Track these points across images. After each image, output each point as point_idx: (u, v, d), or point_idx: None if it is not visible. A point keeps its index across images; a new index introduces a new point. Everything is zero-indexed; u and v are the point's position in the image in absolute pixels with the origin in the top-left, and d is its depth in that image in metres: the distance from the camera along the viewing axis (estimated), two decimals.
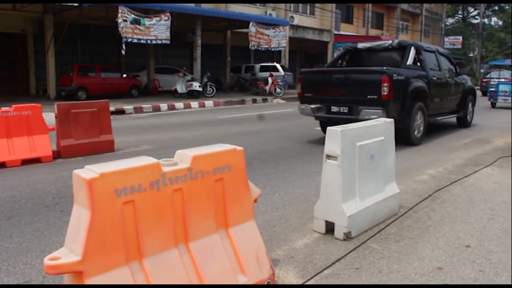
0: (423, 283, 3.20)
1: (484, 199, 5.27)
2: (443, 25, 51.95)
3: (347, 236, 3.96)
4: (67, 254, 2.26)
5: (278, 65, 25.62)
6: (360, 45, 10.36)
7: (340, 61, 10.59)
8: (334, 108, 8.64)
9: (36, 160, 7.25)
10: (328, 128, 4.01)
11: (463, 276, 3.30)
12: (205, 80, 20.75)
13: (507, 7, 56.91)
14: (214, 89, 20.94)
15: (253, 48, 22.30)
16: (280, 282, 3.19)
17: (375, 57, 10.27)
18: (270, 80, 22.44)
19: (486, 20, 59.87)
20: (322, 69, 11.09)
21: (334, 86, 8.56)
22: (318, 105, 8.88)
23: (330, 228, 4.07)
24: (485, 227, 4.35)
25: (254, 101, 20.32)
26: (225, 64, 25.43)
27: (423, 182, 6.10)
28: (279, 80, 22.82)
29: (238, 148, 2.96)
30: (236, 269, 2.86)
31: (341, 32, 33.86)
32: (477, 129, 11.75)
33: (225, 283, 2.75)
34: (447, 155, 8.00)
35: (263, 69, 25.33)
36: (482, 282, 3.22)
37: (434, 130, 11.31)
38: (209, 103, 18.40)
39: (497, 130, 11.49)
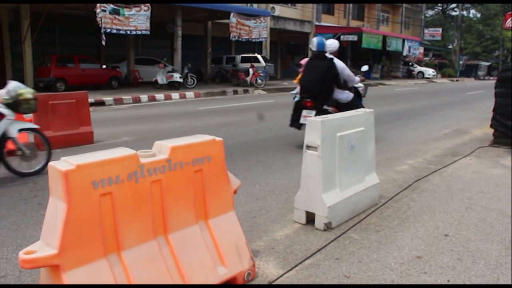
0: (403, 272, 3.23)
1: (462, 189, 5.35)
2: (423, 17, 52.31)
3: (328, 227, 3.98)
4: (43, 248, 2.21)
5: (259, 56, 25.52)
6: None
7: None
8: None
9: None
10: (309, 119, 4.02)
11: (441, 265, 3.34)
12: (186, 71, 20.58)
13: None
14: (195, 80, 20.78)
15: (234, 39, 22.14)
16: (260, 273, 3.19)
17: None
18: (251, 71, 22.36)
19: (465, 13, 60.47)
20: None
21: None
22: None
23: (310, 218, 4.08)
24: (463, 216, 4.42)
25: (235, 92, 20.24)
26: (206, 55, 25.23)
27: (403, 172, 6.16)
28: (260, 71, 22.75)
29: (217, 138, 2.94)
30: (216, 260, 2.84)
31: (322, 23, 33.85)
32: None
33: (205, 274, 2.73)
34: (426, 146, 8.09)
35: (244, 60, 25.19)
36: (460, 270, 3.27)
37: (413, 120, 11.43)
38: (190, 94, 18.28)
39: (475, 120, 11.66)
